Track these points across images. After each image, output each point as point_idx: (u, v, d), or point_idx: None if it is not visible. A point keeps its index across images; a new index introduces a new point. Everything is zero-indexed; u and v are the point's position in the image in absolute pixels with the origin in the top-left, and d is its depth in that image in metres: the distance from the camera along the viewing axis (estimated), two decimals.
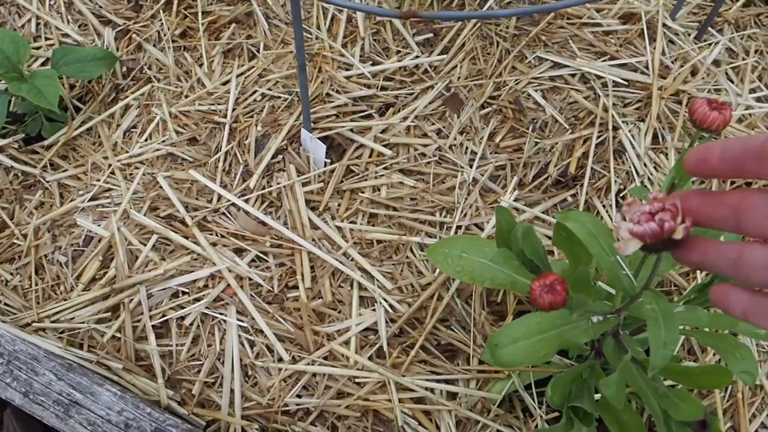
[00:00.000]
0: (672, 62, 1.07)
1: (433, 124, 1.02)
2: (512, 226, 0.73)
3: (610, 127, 0.99)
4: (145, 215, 0.91)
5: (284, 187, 0.94)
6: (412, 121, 1.01)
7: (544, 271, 0.74)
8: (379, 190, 0.96)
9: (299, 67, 0.85)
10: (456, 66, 1.06)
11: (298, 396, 0.84)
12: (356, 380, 0.84)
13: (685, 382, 0.67)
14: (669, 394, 0.65)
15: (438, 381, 0.85)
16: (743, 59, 1.08)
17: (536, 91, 1.02)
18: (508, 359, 0.70)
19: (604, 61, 1.05)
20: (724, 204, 0.36)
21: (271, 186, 0.94)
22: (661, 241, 0.48)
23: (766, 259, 0.34)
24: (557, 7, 0.70)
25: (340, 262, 0.89)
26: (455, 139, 1.01)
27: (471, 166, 0.98)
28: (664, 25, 1.09)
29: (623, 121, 1.00)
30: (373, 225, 0.94)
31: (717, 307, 0.37)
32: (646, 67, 1.05)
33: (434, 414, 0.83)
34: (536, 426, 0.83)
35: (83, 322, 0.86)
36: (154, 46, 1.10)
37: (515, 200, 0.95)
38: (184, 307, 0.85)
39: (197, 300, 0.86)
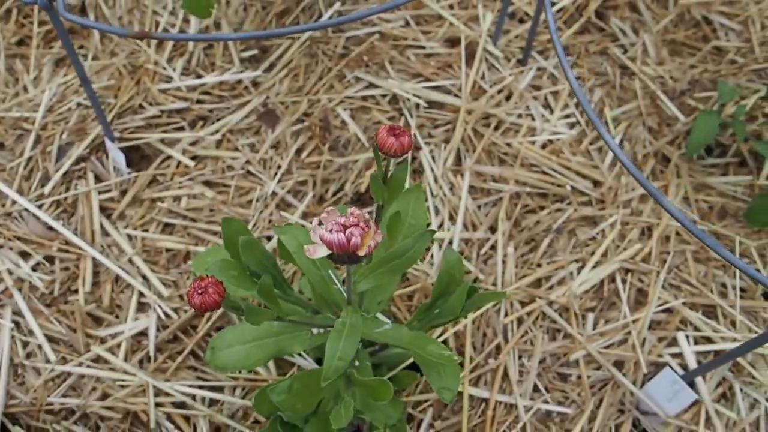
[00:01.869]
0: (490, 86, 1.13)
1: (248, 138, 1.08)
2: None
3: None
4: None
5: (81, 193, 1.00)
6: (225, 135, 1.07)
7: (276, 282, 0.79)
8: (179, 200, 1.02)
9: (82, 81, 0.91)
10: (275, 83, 1.12)
11: (64, 396, 0.89)
12: (120, 383, 0.90)
13: (371, 395, 0.72)
14: (338, 408, 0.70)
15: (201, 387, 0.90)
16: (563, 85, 1.14)
17: (345, 110, 1.09)
18: (223, 363, 0.76)
19: (419, 82, 1.11)
20: None
21: (69, 192, 1.00)
22: (346, 253, 0.54)
23: None
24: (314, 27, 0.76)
25: (123, 269, 0.95)
26: (266, 153, 1.07)
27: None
28: (485, 49, 1.15)
29: (425, 142, 1.06)
30: (170, 234, 1.00)
31: None
32: (460, 90, 1.11)
33: (193, 419, 0.89)
34: None
35: None
36: None
37: (308, 216, 1.01)
38: None
39: None
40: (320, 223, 0.55)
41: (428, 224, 0.98)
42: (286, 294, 0.77)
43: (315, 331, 0.78)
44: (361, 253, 0.54)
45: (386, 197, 0.69)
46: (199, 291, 0.56)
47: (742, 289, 0.99)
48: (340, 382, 0.75)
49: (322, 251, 0.54)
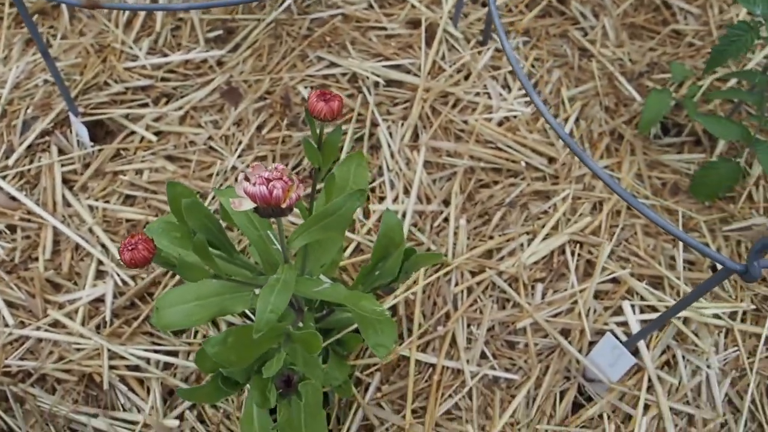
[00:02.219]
0: (450, 66, 1.15)
1: (211, 115, 1.11)
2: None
3: (368, 123, 1.08)
4: None
5: (44, 165, 1.03)
6: (189, 112, 1.10)
7: (221, 245, 0.82)
8: (141, 173, 1.05)
9: (43, 54, 0.94)
10: (239, 62, 1.15)
11: (21, 359, 0.92)
12: (76, 347, 0.92)
13: (304, 348, 0.74)
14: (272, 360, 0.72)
15: (156, 351, 0.93)
16: (521, 66, 1.17)
17: (306, 88, 1.11)
18: (166, 322, 0.78)
19: (379, 62, 1.14)
20: None
21: (32, 165, 1.03)
22: (270, 206, 0.57)
23: None
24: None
25: (83, 238, 0.98)
26: (228, 129, 1.10)
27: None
28: (446, 31, 1.18)
29: (384, 119, 1.09)
30: (131, 205, 1.03)
31: None
32: (420, 70, 1.14)
33: (146, 381, 0.91)
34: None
35: None
36: None
37: None
38: None
39: None
40: (246, 178, 0.57)
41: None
42: (232, 257, 0.80)
43: (257, 291, 0.81)
44: (284, 205, 0.57)
45: (320, 160, 0.72)
46: (130, 247, 0.58)
47: (690, 262, 1.01)
48: (280, 340, 0.78)
49: (248, 204, 0.57)
